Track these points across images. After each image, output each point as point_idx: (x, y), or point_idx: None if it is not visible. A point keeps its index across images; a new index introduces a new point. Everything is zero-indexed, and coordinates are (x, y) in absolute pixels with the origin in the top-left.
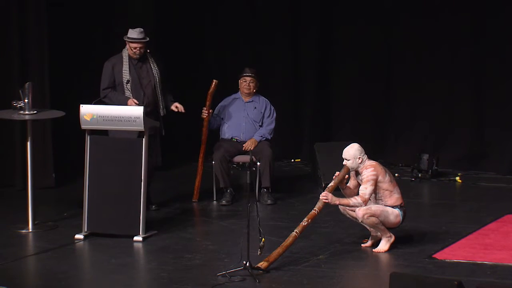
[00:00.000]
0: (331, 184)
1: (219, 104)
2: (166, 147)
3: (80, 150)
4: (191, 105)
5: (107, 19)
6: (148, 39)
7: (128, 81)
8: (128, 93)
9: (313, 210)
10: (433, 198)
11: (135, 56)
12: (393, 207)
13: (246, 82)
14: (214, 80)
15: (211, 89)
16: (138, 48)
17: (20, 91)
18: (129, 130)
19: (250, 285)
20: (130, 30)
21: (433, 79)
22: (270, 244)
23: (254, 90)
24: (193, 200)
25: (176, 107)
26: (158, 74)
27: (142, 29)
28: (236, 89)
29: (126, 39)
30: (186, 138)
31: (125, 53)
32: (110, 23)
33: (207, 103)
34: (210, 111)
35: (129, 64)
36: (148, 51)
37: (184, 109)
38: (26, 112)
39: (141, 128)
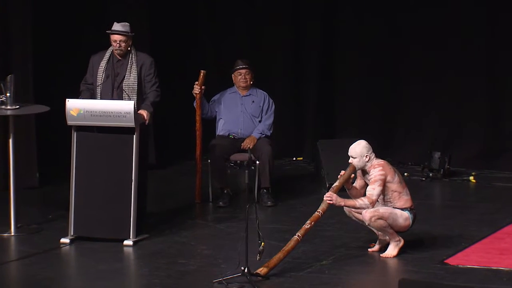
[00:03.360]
0: (336, 184)
1: (212, 98)
2: (158, 143)
3: (66, 148)
4: (184, 99)
5: (97, 9)
6: (133, 33)
7: (100, 84)
8: (98, 93)
9: (316, 212)
10: (445, 199)
11: (117, 52)
12: (402, 209)
13: (241, 75)
14: (202, 71)
15: (199, 80)
16: (118, 42)
17: (1, 84)
18: (119, 127)
19: None
20: (114, 24)
21: (445, 71)
22: (270, 248)
23: (251, 82)
24: (197, 201)
25: (142, 115)
26: (135, 76)
27: (128, 24)
28: (230, 83)
29: (108, 31)
30: (178, 134)
31: (110, 51)
32: (101, 13)
33: (200, 81)
34: (203, 87)
35: (108, 62)
36: (130, 49)
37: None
38: (8, 107)
39: (131, 124)
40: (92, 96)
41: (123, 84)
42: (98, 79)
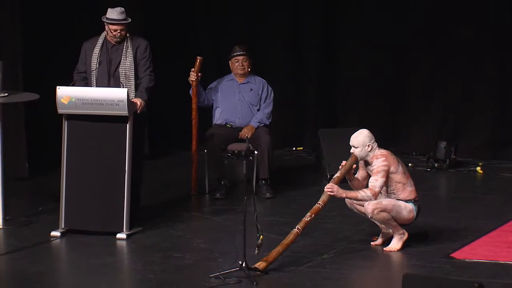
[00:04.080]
0: (337, 175)
1: (209, 86)
2: (152, 133)
3: (56, 137)
4: (180, 86)
5: None
6: (129, 20)
7: (95, 70)
8: (93, 81)
9: (317, 204)
10: (450, 191)
11: (114, 40)
12: (406, 201)
13: (239, 62)
14: (198, 57)
15: (195, 67)
16: (118, 31)
17: None
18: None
19: (246, 287)
20: (109, 10)
21: (452, 58)
22: (269, 242)
23: (249, 69)
24: (193, 193)
25: (136, 103)
26: (131, 60)
27: (123, 9)
28: (228, 70)
29: (105, 21)
30: (173, 123)
31: (103, 37)
32: None
33: (196, 67)
34: (200, 74)
35: (102, 48)
36: (128, 34)
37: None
38: None
39: (124, 112)
40: (87, 86)
41: (119, 70)
42: (92, 66)
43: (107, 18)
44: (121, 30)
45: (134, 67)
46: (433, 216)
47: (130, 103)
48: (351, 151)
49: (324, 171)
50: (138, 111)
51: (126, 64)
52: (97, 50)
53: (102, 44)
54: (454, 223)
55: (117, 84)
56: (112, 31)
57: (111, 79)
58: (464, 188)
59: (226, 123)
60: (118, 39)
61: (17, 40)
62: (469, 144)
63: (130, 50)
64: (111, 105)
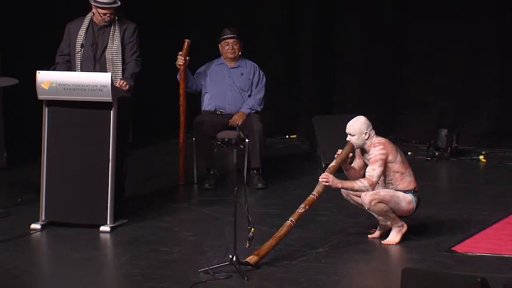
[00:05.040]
0: (333, 164)
1: (197, 70)
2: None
3: (36, 125)
4: (166, 71)
5: None
6: (119, 3)
7: (79, 52)
8: (77, 64)
9: (311, 195)
10: (452, 181)
11: (102, 24)
12: (405, 191)
13: (229, 45)
14: (186, 40)
15: (183, 51)
16: (108, 15)
17: None
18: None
19: (237, 283)
20: None
21: (454, 41)
22: (261, 235)
23: (240, 53)
24: (180, 183)
25: (120, 85)
26: (118, 44)
27: None
28: (218, 54)
29: (93, 4)
30: (160, 110)
31: (89, 18)
32: None
33: (184, 51)
34: (188, 58)
35: (87, 30)
36: (117, 18)
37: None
38: None
39: (108, 98)
40: (69, 70)
41: (106, 54)
42: (76, 49)
43: (95, 1)
44: (110, 14)
45: (121, 52)
46: (434, 208)
47: (114, 88)
48: (347, 139)
49: (318, 160)
50: (126, 88)
51: (113, 48)
52: (82, 32)
53: (88, 26)
54: (455, 215)
55: (103, 69)
56: (101, 15)
57: (96, 64)
58: (466, 178)
59: (215, 110)
60: (107, 23)
61: None
62: (471, 131)
63: (117, 33)
64: (94, 91)
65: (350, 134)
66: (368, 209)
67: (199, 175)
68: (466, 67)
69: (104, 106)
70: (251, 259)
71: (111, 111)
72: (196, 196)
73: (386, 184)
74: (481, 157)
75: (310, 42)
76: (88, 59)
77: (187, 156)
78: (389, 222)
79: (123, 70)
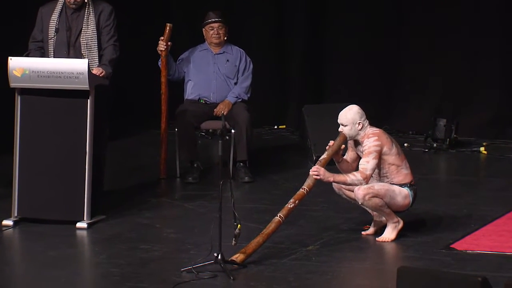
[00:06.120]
0: (324, 156)
1: (180, 56)
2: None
3: (8, 115)
4: (147, 57)
5: None
6: None
7: (52, 37)
8: (51, 51)
9: (301, 189)
10: (451, 174)
11: (72, 6)
12: (401, 185)
13: (214, 30)
14: (168, 24)
15: (165, 35)
16: None
17: None
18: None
19: (222, 283)
20: None
21: (454, 26)
22: (248, 231)
23: (225, 38)
24: (162, 177)
25: (98, 72)
26: (93, 28)
27: None
28: (202, 39)
29: None
30: (140, 98)
31: (62, 2)
32: None
33: (166, 35)
34: (170, 43)
35: (60, 14)
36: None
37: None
38: None
39: (85, 86)
40: (43, 57)
41: (80, 39)
42: (49, 34)
43: None
44: None
45: (97, 36)
46: (432, 202)
47: (91, 76)
48: (340, 129)
49: (309, 152)
50: (102, 74)
51: (88, 33)
52: (55, 16)
53: (61, 9)
54: (455, 210)
55: (78, 55)
56: None
57: (70, 50)
58: (466, 171)
59: (199, 99)
60: (76, 5)
61: None
62: (471, 121)
63: (92, 17)
64: (70, 78)
65: (342, 125)
66: (361, 204)
67: (182, 168)
68: (466, 54)
69: (80, 94)
70: (237, 257)
71: (88, 100)
72: (179, 191)
73: (380, 178)
74: (482, 148)
75: (301, 26)
76: (62, 44)
77: (169, 148)
78: (384, 218)
79: (100, 56)
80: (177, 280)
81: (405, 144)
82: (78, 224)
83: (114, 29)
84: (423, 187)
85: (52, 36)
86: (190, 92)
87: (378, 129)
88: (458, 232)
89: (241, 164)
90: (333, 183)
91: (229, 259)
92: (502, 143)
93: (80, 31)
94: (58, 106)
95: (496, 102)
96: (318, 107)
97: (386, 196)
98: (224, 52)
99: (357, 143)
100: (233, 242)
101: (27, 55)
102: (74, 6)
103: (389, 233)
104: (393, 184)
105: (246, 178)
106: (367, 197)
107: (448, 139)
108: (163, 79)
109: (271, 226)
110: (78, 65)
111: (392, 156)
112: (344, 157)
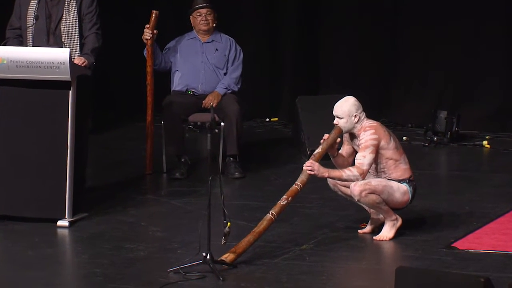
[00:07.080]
0: (318, 150)
1: (167, 45)
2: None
3: None
4: (132, 46)
5: None
6: None
7: (32, 24)
8: (29, 39)
9: (294, 185)
10: (452, 169)
11: None
12: (399, 181)
13: (201, 16)
14: (154, 11)
15: (150, 23)
16: None
17: None
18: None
19: (211, 284)
20: None
21: (455, 15)
22: (238, 230)
23: (214, 25)
24: (147, 172)
25: (79, 62)
26: (74, 15)
27: None
28: (190, 27)
29: None
30: (124, 90)
31: None
32: None
33: (151, 23)
34: (156, 31)
35: (40, 1)
36: None
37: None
38: None
39: (66, 77)
40: (22, 45)
41: (61, 27)
42: (28, 22)
43: None
44: None
45: (78, 24)
46: (432, 199)
47: (73, 66)
48: (335, 122)
49: (302, 146)
50: (84, 64)
51: (69, 20)
52: (34, 3)
53: None
54: (456, 207)
55: (58, 43)
56: None
57: (50, 38)
58: (468, 166)
59: (187, 90)
60: None
61: None
62: (473, 114)
63: (73, 3)
64: (51, 68)
65: (338, 117)
66: (358, 200)
67: (169, 163)
68: (467, 43)
69: (61, 85)
70: (227, 257)
71: (70, 91)
72: (165, 187)
73: (378, 173)
74: (485, 142)
75: (294, 14)
76: (41, 32)
77: (155, 142)
78: (381, 216)
79: (82, 45)
80: (164, 281)
81: (404, 138)
82: (59, 222)
83: (97, 16)
84: (423, 183)
85: (31, 24)
86: (178, 83)
87: (375, 121)
88: (460, 231)
89: (231, 159)
90: (328, 179)
91: (219, 259)
92: (506, 136)
93: (61, 18)
94: (37, 98)
95: (499, 94)
96: (312, 99)
97: (383, 192)
98: (213, 40)
99: (353, 137)
100: (223, 241)
101: (5, 44)
102: None
103: (387, 232)
104: (391, 179)
105: (237, 173)
106: (363, 193)
107: (449, 133)
108: (148, 69)
109: (263, 224)
110: (59, 55)
111: (390, 150)
112: (340, 151)
